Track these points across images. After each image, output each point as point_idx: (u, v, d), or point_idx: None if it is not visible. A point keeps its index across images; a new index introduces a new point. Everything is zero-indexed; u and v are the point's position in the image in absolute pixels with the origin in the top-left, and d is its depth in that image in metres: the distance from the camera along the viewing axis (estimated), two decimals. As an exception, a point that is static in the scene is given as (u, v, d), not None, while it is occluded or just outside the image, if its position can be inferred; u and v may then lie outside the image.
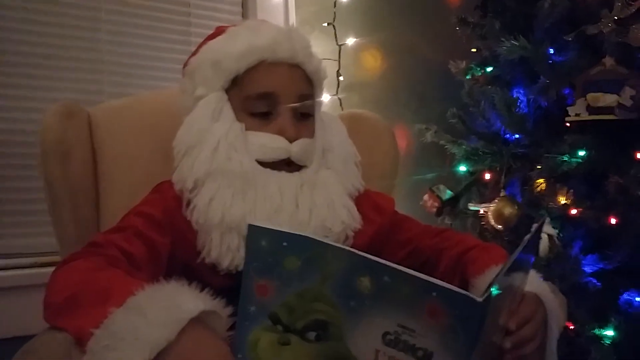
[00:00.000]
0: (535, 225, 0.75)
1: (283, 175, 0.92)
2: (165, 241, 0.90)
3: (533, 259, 0.82)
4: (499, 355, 0.73)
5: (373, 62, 2.20)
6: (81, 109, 1.16)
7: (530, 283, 0.81)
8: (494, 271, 0.82)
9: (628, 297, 1.57)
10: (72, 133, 1.11)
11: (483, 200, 1.84)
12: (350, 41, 2.08)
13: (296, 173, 0.93)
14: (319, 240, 0.64)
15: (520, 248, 0.68)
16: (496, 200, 1.70)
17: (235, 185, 0.89)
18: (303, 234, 0.66)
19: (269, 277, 0.65)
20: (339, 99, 2.04)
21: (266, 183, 0.90)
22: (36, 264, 1.48)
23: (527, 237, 0.72)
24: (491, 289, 0.57)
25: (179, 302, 0.67)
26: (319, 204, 0.92)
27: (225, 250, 0.87)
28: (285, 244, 0.64)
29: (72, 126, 1.11)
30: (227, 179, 0.89)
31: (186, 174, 0.91)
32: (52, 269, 0.82)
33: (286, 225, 0.87)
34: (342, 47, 2.06)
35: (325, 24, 2.04)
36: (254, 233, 0.65)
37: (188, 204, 0.90)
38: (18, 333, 1.03)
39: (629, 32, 1.56)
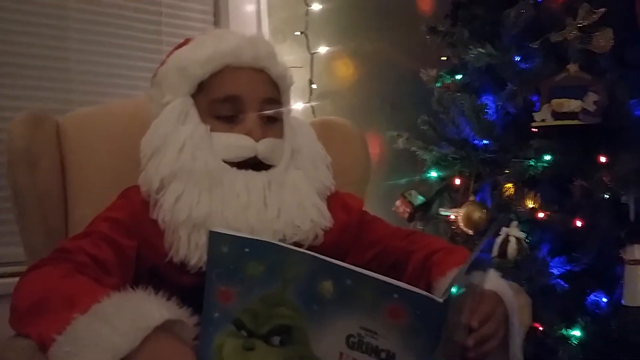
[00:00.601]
0: (494, 225, 0.77)
1: (250, 174, 0.93)
2: (132, 244, 0.90)
3: (491, 257, 0.84)
4: (462, 352, 0.74)
5: (345, 70, 2.22)
6: (49, 117, 1.16)
7: (490, 281, 0.83)
8: (454, 273, 0.84)
9: (594, 298, 1.61)
10: (39, 141, 1.10)
11: (454, 205, 1.87)
12: (323, 50, 2.10)
13: (263, 172, 0.94)
14: (281, 245, 0.65)
15: (478, 248, 0.70)
16: (465, 205, 1.73)
17: (202, 184, 0.90)
18: (264, 240, 0.67)
19: (231, 283, 0.65)
20: (312, 107, 2.05)
21: (233, 181, 0.91)
22: (5, 274, 1.46)
23: (485, 237, 0.74)
24: (451, 289, 0.59)
25: (144, 310, 0.68)
26: (288, 202, 0.93)
27: (194, 248, 0.87)
28: (247, 249, 0.65)
29: (39, 134, 1.11)
30: (193, 178, 0.90)
31: (152, 175, 0.91)
32: (17, 279, 0.82)
33: (255, 224, 0.88)
34: (315, 55, 2.08)
35: (298, 33, 2.06)
36: (215, 239, 0.66)
37: (155, 204, 0.91)
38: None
39: (592, 39, 1.60)
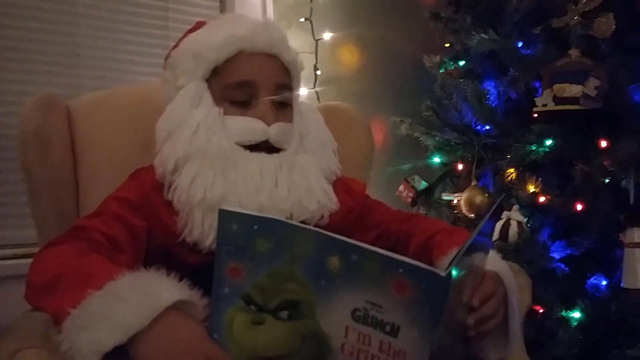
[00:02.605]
0: (494, 206, 0.79)
1: (262, 156, 0.95)
2: (143, 224, 0.93)
3: (491, 241, 0.85)
4: (463, 331, 0.76)
5: (349, 56, 2.23)
6: (59, 101, 1.17)
7: (491, 262, 0.85)
8: (455, 252, 0.86)
9: (594, 281, 1.63)
10: (50, 124, 1.12)
11: (456, 190, 1.89)
12: (327, 36, 2.12)
13: (275, 154, 0.96)
14: (288, 223, 0.67)
15: (478, 228, 0.71)
16: (467, 190, 1.75)
17: (216, 166, 0.92)
18: (273, 217, 0.68)
19: (240, 259, 0.67)
20: (317, 92, 2.07)
21: (246, 163, 0.93)
22: (16, 256, 1.49)
23: (485, 218, 0.76)
24: (453, 265, 0.61)
25: (156, 290, 0.70)
26: (297, 183, 0.95)
27: (207, 229, 0.89)
28: (255, 227, 0.66)
29: (50, 117, 1.13)
30: (207, 160, 0.92)
31: (167, 157, 0.93)
32: (30, 260, 0.84)
33: (266, 203, 0.91)
34: (319, 41, 2.09)
35: (302, 19, 2.08)
36: (225, 217, 0.67)
37: (170, 185, 0.93)
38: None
39: (593, 25, 1.61)
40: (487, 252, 0.84)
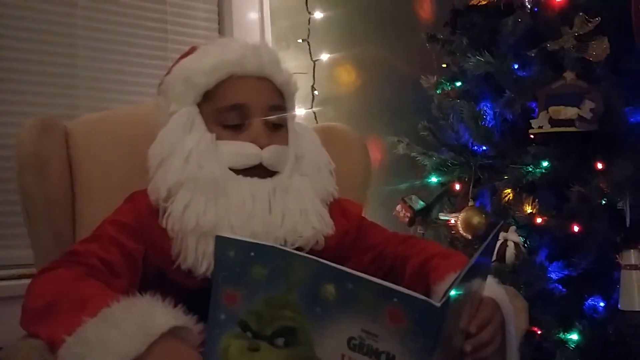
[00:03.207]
0: (493, 232, 0.79)
1: (255, 181, 0.95)
2: (139, 248, 0.93)
3: (491, 263, 0.85)
4: (459, 357, 0.76)
5: (347, 76, 2.25)
6: (57, 122, 1.18)
7: (488, 288, 0.85)
8: (453, 278, 0.86)
9: (592, 303, 1.63)
10: (48, 146, 1.13)
11: (454, 210, 1.89)
12: (325, 57, 2.14)
13: (268, 179, 0.96)
14: (285, 250, 0.68)
15: (476, 255, 0.72)
16: (464, 210, 1.76)
17: (208, 193, 0.92)
18: (269, 244, 0.69)
19: (237, 285, 0.67)
20: (314, 113, 2.08)
21: (238, 189, 0.93)
22: (13, 276, 1.49)
23: (484, 244, 0.76)
24: (449, 294, 0.61)
25: (151, 316, 0.71)
26: (292, 208, 0.95)
27: (201, 256, 0.89)
28: (252, 253, 0.67)
29: (48, 139, 1.13)
30: (199, 187, 0.92)
31: (160, 184, 0.93)
32: (28, 281, 0.85)
33: (259, 230, 0.91)
34: (317, 62, 2.11)
35: (300, 40, 2.09)
36: (222, 244, 0.68)
37: (164, 212, 0.93)
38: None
39: (588, 48, 1.62)
40: (485, 278, 0.84)
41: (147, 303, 0.73)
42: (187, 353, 0.70)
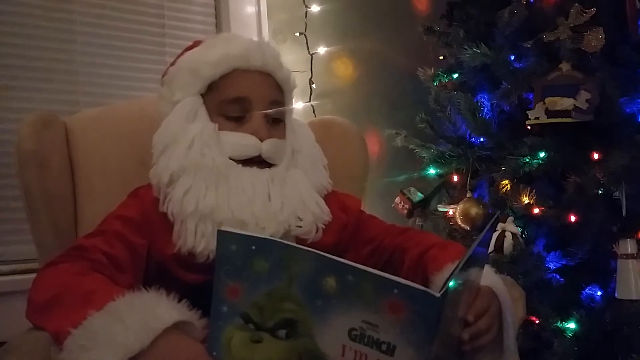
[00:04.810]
0: (489, 223, 0.80)
1: (254, 171, 0.97)
2: (143, 242, 0.94)
3: (488, 253, 0.86)
4: (457, 346, 0.77)
5: (344, 70, 2.26)
6: (57, 118, 1.19)
7: (485, 277, 0.86)
8: (450, 268, 0.87)
9: (589, 292, 1.64)
10: (48, 141, 1.14)
11: (452, 201, 1.90)
12: (322, 50, 2.14)
13: (267, 169, 0.98)
14: (285, 244, 0.68)
15: (474, 245, 0.73)
16: (462, 202, 1.77)
17: (209, 179, 0.94)
18: (270, 238, 0.70)
19: (239, 279, 0.68)
20: (312, 106, 2.09)
21: (238, 177, 0.95)
22: (15, 271, 1.50)
23: (481, 234, 0.77)
24: (448, 285, 0.62)
25: (155, 311, 0.72)
26: (290, 196, 0.97)
27: (200, 238, 0.91)
28: (253, 247, 0.68)
29: (48, 135, 1.14)
30: (201, 174, 0.94)
31: (162, 170, 0.95)
32: (31, 276, 0.86)
33: (260, 215, 0.92)
34: (314, 55, 2.11)
35: (297, 34, 2.10)
36: (224, 238, 0.69)
37: (165, 198, 0.95)
38: (-1, 338, 1.05)
39: (583, 39, 1.63)
40: (482, 267, 0.85)
41: (152, 298, 0.75)
42: (190, 346, 0.71)
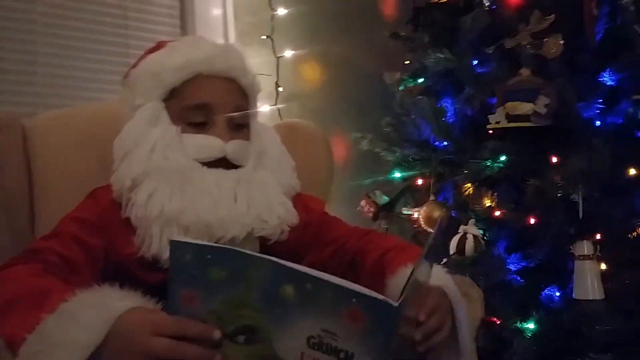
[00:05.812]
0: (436, 227, 0.81)
1: (220, 172, 0.96)
2: (100, 243, 0.93)
3: (439, 255, 0.87)
4: (412, 346, 0.78)
5: (311, 73, 2.27)
6: (15, 120, 1.17)
7: (435, 277, 0.87)
8: (405, 272, 0.87)
9: (548, 293, 1.67)
10: (5, 145, 1.12)
11: (416, 204, 1.92)
12: (289, 53, 2.14)
13: (233, 170, 0.97)
14: (242, 252, 0.67)
15: (425, 251, 0.74)
16: (426, 205, 1.79)
17: (173, 182, 0.92)
18: (226, 247, 0.69)
19: (194, 287, 0.67)
20: (278, 109, 2.09)
21: (203, 179, 0.94)
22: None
23: (430, 239, 0.79)
24: (405, 293, 0.63)
25: (107, 303, 0.70)
26: (257, 198, 0.96)
27: (166, 244, 0.89)
28: (209, 256, 0.66)
29: (5, 138, 1.12)
30: (165, 176, 0.92)
31: (124, 175, 0.93)
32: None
33: (225, 217, 0.91)
34: (280, 59, 2.12)
35: (264, 37, 2.10)
36: (177, 248, 0.67)
37: (127, 203, 0.93)
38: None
39: (543, 45, 1.67)
40: (431, 267, 0.86)
41: (104, 291, 0.73)
42: (146, 318, 0.68)
